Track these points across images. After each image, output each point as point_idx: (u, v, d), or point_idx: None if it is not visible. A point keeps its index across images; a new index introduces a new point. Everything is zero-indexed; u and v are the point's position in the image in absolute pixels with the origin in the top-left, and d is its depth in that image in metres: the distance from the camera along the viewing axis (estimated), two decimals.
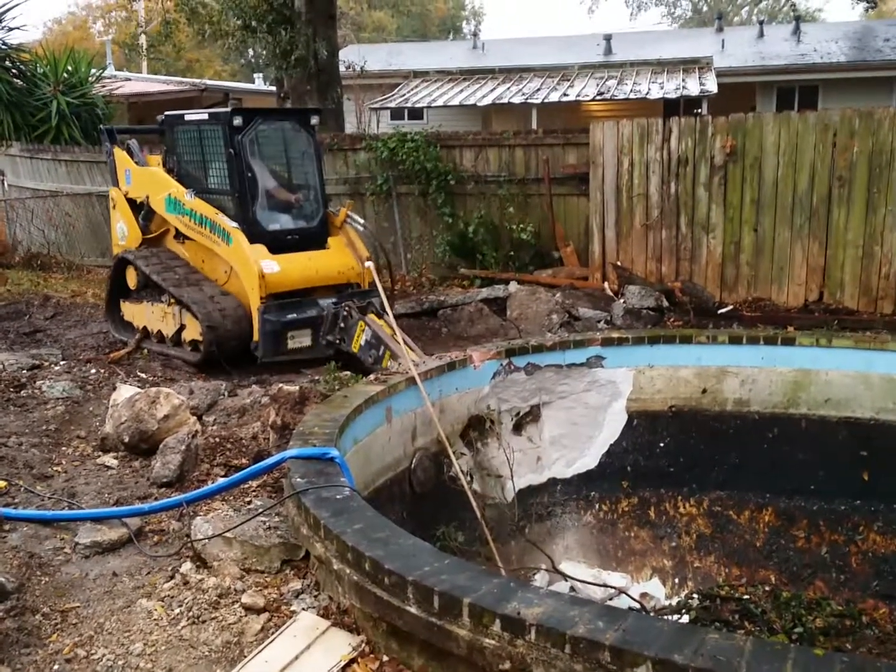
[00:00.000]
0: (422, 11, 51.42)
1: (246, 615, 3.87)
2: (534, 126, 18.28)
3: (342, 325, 8.46)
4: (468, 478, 6.80)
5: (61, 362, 8.57)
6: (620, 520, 7.87)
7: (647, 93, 18.63)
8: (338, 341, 8.50)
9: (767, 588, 6.69)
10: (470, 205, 12.45)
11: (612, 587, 6.47)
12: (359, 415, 5.68)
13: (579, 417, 7.82)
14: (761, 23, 27.86)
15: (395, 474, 6.28)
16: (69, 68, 16.24)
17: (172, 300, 9.13)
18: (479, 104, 19.74)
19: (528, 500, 7.59)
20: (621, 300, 10.43)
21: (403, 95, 21.41)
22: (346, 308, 8.45)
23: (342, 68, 14.49)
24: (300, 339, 8.59)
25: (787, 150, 10.22)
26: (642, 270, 11.09)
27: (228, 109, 8.92)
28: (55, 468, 5.86)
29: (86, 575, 4.35)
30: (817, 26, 28.88)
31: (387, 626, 3.48)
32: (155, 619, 3.89)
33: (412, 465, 6.45)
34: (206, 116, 9.30)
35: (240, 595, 4.03)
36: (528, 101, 19.33)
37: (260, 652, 3.55)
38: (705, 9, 52.32)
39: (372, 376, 6.54)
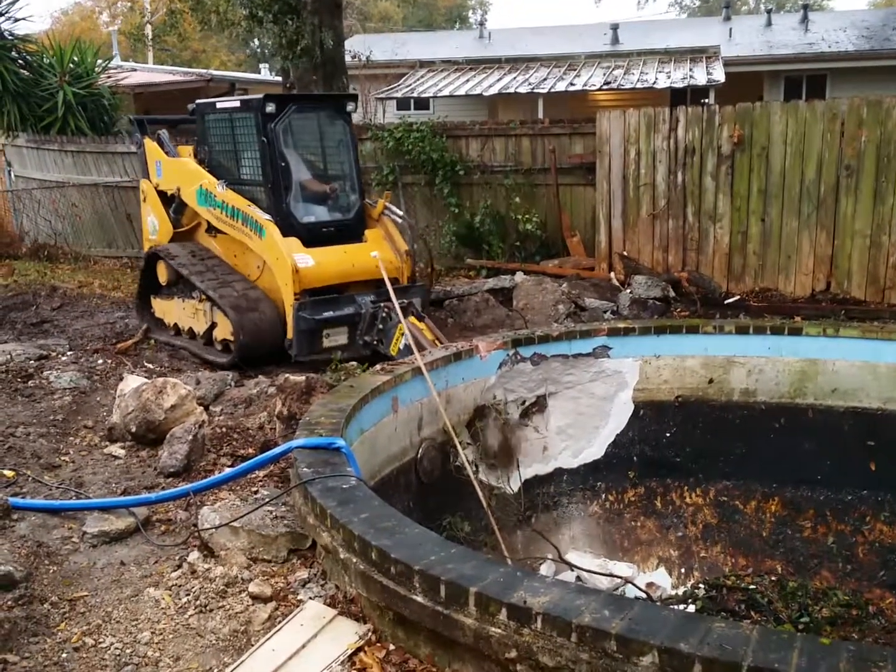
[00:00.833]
0: (428, 1, 51.21)
1: (253, 604, 3.89)
2: (540, 116, 18.20)
3: (380, 326, 8.03)
4: (474, 468, 6.81)
5: (68, 353, 8.59)
6: (627, 510, 7.87)
7: (654, 82, 18.55)
8: (375, 342, 8.09)
9: (774, 578, 6.67)
10: (476, 195, 12.43)
11: (618, 577, 6.46)
12: (365, 405, 5.69)
13: (585, 407, 7.81)
14: (769, 12, 27.75)
15: (402, 464, 6.29)
16: (75, 59, 16.20)
17: (204, 297, 8.88)
18: (485, 94, 19.68)
19: (534, 490, 7.60)
20: (628, 290, 10.41)
21: (409, 85, 21.35)
22: (385, 309, 8.00)
23: (348, 58, 14.42)
24: (336, 338, 8.24)
25: (795, 140, 10.17)
26: (649, 260, 11.06)
27: (261, 96, 8.50)
28: (63, 458, 5.89)
29: (93, 564, 4.38)
30: (825, 15, 28.68)
31: (393, 615, 3.49)
32: (162, 608, 3.91)
33: (418, 455, 6.46)
34: (237, 104, 8.95)
35: (247, 584, 4.05)
36: (535, 90, 19.26)
37: (267, 640, 3.57)
38: None
39: (378, 366, 6.54)
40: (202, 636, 3.69)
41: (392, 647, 3.50)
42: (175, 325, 9.57)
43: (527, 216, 11.74)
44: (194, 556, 4.35)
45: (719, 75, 18.36)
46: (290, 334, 8.19)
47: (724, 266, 10.72)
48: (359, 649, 3.47)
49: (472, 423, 7.18)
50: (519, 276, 10.98)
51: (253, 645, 3.58)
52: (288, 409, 5.97)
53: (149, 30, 21.52)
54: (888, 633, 5.83)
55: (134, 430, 6.05)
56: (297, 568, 4.23)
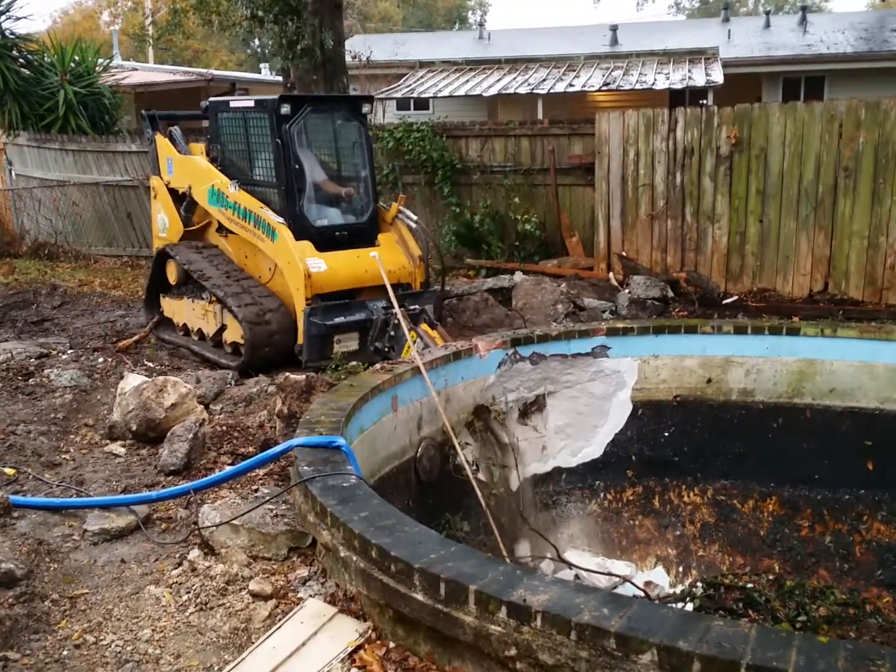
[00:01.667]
0: (428, 2, 51.23)
1: (253, 602, 3.90)
2: (539, 116, 18.24)
3: (392, 333, 7.90)
4: (473, 467, 6.83)
5: (69, 351, 8.61)
6: (625, 509, 7.89)
7: (653, 83, 18.58)
8: (387, 349, 7.95)
9: (771, 577, 6.69)
10: (476, 195, 12.45)
11: (616, 575, 6.49)
12: (365, 404, 5.70)
13: (584, 407, 7.83)
14: (768, 13, 27.77)
15: (401, 463, 6.30)
16: (76, 58, 16.20)
17: (213, 298, 8.75)
18: (484, 94, 19.69)
19: (533, 489, 7.61)
20: (626, 290, 10.42)
21: (409, 86, 21.37)
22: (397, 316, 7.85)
23: (348, 58, 14.45)
24: (346, 344, 8.08)
25: (793, 141, 10.19)
26: (647, 261, 11.09)
27: (276, 97, 8.35)
28: (63, 456, 5.91)
29: (94, 562, 4.39)
30: (824, 17, 28.74)
31: (393, 613, 3.50)
32: (163, 606, 3.92)
33: (418, 454, 6.46)
34: (251, 103, 8.77)
35: (247, 582, 4.06)
36: (534, 91, 19.27)
37: (267, 638, 3.59)
38: None
39: (378, 365, 6.55)
40: (203, 634, 3.70)
41: (392, 644, 3.51)
42: (184, 325, 9.46)
43: (526, 216, 11.77)
44: (195, 553, 4.37)
45: (718, 76, 18.39)
46: (300, 339, 8.07)
47: (722, 266, 10.74)
48: (359, 647, 3.49)
49: (471, 422, 7.19)
50: (518, 276, 10.99)
51: (253, 642, 3.60)
52: (288, 408, 5.99)
53: (151, 29, 21.47)
54: (885, 632, 5.85)
55: (134, 428, 6.07)
56: (298, 566, 4.25)
